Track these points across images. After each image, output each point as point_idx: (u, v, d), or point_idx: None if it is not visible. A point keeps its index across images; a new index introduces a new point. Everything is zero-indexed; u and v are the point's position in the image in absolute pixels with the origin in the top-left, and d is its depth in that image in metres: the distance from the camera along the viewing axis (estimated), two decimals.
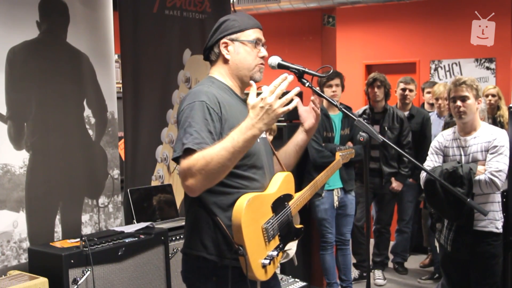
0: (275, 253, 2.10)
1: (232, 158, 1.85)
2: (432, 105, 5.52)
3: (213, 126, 1.96)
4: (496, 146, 3.13)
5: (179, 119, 2.04)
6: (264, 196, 2.11)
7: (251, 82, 1.96)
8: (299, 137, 2.35)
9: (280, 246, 2.17)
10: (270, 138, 3.91)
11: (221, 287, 2.04)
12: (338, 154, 2.81)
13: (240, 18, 2.18)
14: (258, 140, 2.12)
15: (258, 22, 2.21)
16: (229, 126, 2.01)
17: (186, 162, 1.87)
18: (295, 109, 2.08)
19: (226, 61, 2.17)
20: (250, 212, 1.99)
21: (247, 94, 1.99)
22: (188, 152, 1.88)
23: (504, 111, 5.07)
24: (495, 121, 5.04)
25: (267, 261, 2.06)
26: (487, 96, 5.17)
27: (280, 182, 2.21)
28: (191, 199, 2.06)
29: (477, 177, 3.08)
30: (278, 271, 3.20)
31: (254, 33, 2.16)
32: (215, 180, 1.90)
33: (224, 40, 2.15)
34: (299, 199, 2.33)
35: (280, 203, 2.18)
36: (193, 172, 1.85)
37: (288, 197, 2.26)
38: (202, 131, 1.92)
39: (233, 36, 2.14)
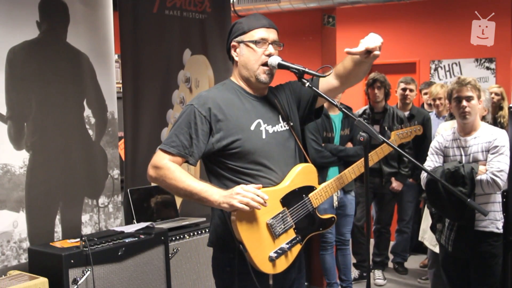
0: (287, 246, 2.12)
1: (182, 195, 2.09)
2: (430, 105, 5.52)
3: (194, 129, 2.10)
4: (497, 146, 3.13)
5: None
6: (270, 192, 2.10)
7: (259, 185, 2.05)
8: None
9: (298, 238, 2.19)
10: None
11: (233, 277, 2.13)
12: (394, 134, 2.58)
13: (247, 20, 2.22)
14: (264, 137, 2.15)
15: (266, 22, 2.21)
16: (224, 124, 2.10)
17: (160, 159, 2.10)
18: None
19: (237, 63, 2.24)
20: (246, 210, 1.99)
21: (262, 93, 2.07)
22: (166, 151, 2.10)
23: (506, 112, 5.02)
24: (495, 121, 5.01)
25: (274, 255, 2.08)
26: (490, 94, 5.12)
27: (294, 175, 2.20)
28: None
29: (478, 177, 3.08)
30: None
31: (258, 33, 2.17)
32: (164, 188, 2.17)
33: (232, 43, 2.23)
34: (324, 189, 2.30)
35: (294, 196, 2.19)
36: (156, 171, 2.10)
37: (307, 189, 2.25)
38: (181, 134, 2.10)
39: (238, 39, 2.21)
